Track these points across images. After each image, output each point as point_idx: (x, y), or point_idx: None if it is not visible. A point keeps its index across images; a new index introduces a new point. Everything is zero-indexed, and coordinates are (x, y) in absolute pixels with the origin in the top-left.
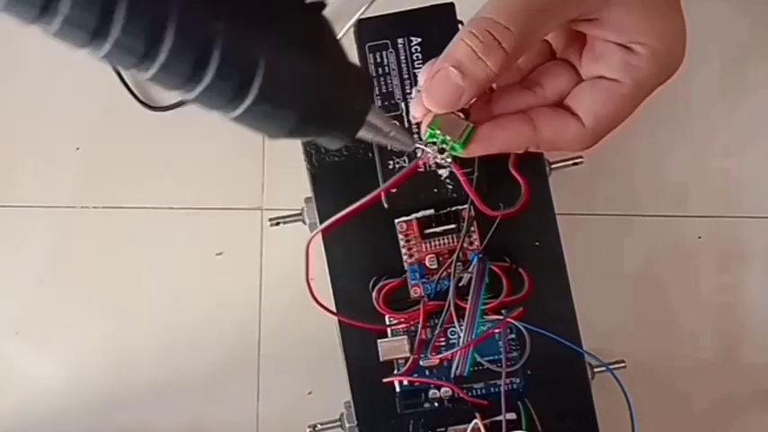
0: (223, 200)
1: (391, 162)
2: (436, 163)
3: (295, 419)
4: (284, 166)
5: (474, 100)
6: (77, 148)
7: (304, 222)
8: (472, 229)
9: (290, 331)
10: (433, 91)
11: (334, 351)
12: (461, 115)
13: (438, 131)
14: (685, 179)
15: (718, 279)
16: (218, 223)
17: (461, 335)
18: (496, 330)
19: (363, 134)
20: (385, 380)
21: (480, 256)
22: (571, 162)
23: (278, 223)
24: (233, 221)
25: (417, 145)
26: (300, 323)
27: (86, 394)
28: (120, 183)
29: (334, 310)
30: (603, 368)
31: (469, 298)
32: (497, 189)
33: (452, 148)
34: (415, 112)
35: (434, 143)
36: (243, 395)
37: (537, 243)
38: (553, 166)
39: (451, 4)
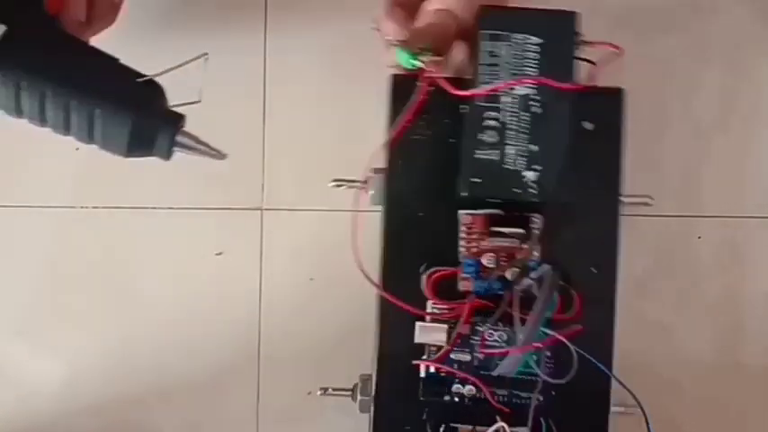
0: (223, 200)
1: (480, 151)
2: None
3: (295, 419)
4: (284, 166)
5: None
6: (77, 148)
7: (366, 191)
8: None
9: (291, 331)
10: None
11: (335, 351)
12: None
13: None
14: (686, 179)
15: (718, 279)
16: (217, 223)
17: (519, 337)
18: (548, 343)
19: (181, 150)
20: (414, 361)
21: (554, 267)
22: (641, 202)
23: (340, 185)
24: (233, 221)
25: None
26: (301, 323)
27: (86, 394)
28: (120, 183)
29: (376, 279)
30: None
31: (536, 304)
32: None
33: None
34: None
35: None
36: (243, 395)
37: (593, 270)
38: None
39: (573, 14)
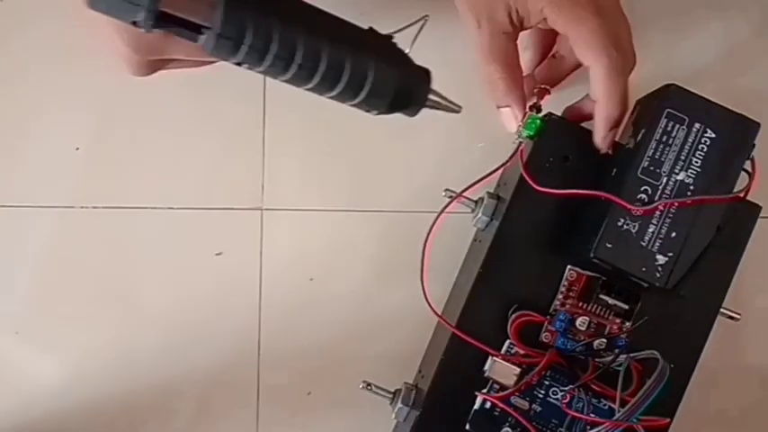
0: (223, 200)
1: (623, 220)
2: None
3: (295, 419)
4: (284, 166)
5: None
6: (77, 148)
7: (472, 212)
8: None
9: (290, 331)
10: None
11: (335, 351)
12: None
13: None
14: None
15: None
16: (217, 223)
17: (617, 414)
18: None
19: (429, 105)
20: (477, 392)
21: (664, 362)
22: (727, 315)
23: (451, 196)
24: (233, 221)
25: (519, 140)
26: (300, 323)
27: (86, 394)
28: (120, 183)
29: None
30: None
31: (641, 391)
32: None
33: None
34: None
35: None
36: (243, 395)
37: (672, 365)
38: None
39: (757, 125)
